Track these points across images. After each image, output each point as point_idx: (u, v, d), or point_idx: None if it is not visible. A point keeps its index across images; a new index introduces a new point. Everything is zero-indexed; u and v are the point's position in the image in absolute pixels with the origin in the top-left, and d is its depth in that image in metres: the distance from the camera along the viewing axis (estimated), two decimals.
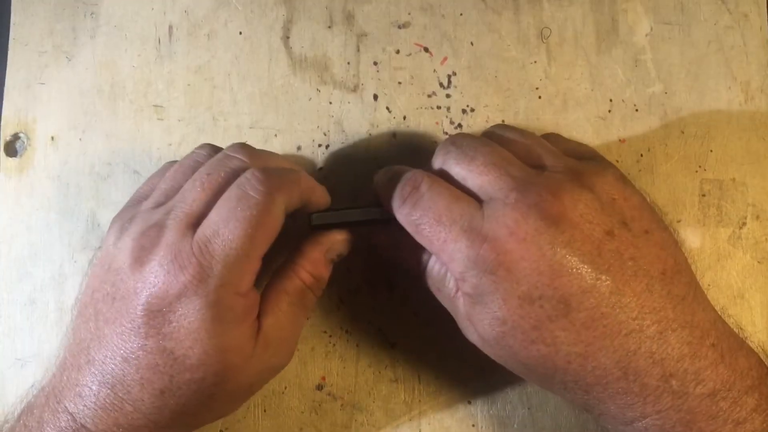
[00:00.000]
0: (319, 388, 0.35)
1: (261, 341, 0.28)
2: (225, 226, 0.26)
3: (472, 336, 0.28)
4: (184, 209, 0.27)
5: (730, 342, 0.26)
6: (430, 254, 0.29)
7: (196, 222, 0.27)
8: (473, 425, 0.34)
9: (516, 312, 0.25)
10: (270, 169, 0.28)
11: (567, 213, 0.25)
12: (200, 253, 0.25)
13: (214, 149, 0.31)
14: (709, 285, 0.35)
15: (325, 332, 0.35)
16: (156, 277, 0.26)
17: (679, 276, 0.26)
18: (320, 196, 0.31)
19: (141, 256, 0.26)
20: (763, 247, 0.35)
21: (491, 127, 0.31)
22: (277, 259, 0.30)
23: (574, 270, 0.25)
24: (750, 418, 0.24)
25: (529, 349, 0.26)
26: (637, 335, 0.25)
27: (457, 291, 0.28)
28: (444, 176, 0.29)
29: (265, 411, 0.34)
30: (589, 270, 0.25)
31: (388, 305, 0.35)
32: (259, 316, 0.28)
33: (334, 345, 0.35)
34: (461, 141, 0.29)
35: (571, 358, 0.25)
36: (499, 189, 0.26)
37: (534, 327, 0.25)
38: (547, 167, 0.28)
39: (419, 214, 0.27)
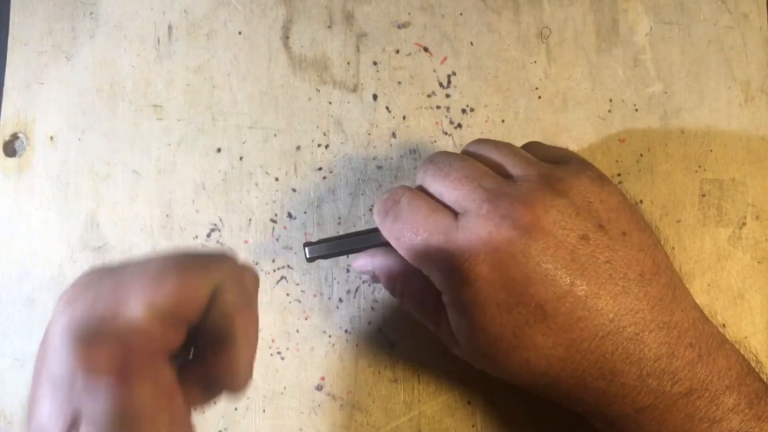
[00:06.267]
0: (319, 388, 0.35)
1: None
2: None
3: (456, 349, 0.29)
4: None
5: (709, 342, 0.26)
6: (406, 280, 0.30)
7: None
8: (473, 425, 0.34)
9: (496, 320, 0.26)
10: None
11: (539, 221, 0.25)
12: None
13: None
14: (708, 285, 0.35)
15: (324, 332, 0.35)
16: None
17: (657, 277, 0.26)
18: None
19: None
20: (763, 248, 0.35)
21: (468, 143, 0.32)
22: None
23: (548, 277, 0.25)
24: (726, 417, 0.25)
25: (511, 356, 0.26)
26: (613, 337, 0.25)
27: (436, 310, 0.28)
28: (424, 194, 0.29)
29: (264, 411, 0.34)
30: (563, 276, 0.25)
31: (388, 305, 0.35)
32: None
33: (333, 345, 0.35)
34: (437, 158, 0.29)
35: (551, 361, 0.26)
36: (472, 201, 0.27)
37: (514, 334, 0.26)
38: (520, 176, 0.28)
39: (399, 226, 0.28)
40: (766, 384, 0.26)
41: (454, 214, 0.27)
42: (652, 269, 0.26)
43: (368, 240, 0.31)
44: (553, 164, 0.29)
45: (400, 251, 0.28)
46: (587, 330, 0.25)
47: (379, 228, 0.29)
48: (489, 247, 0.25)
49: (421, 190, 0.29)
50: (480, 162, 0.29)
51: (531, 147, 0.31)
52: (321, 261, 0.34)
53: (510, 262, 0.25)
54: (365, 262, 0.32)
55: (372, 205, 0.32)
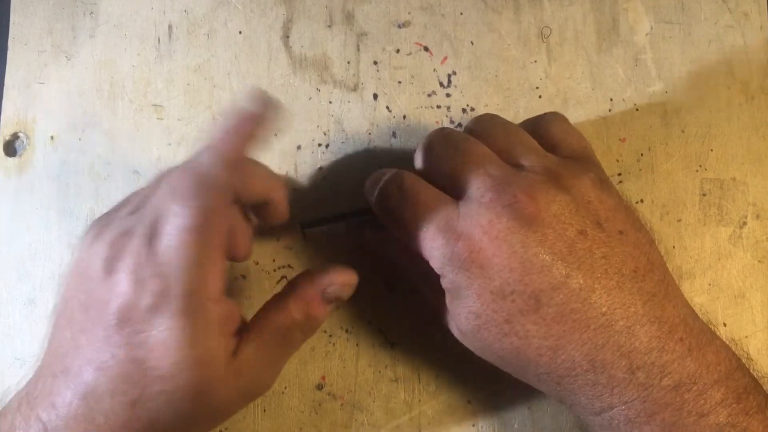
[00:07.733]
0: (319, 387, 0.35)
1: (234, 366, 0.26)
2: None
3: (453, 329, 0.29)
4: (153, 214, 0.26)
5: (700, 337, 0.26)
6: (410, 261, 0.30)
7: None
8: (473, 425, 0.34)
9: (489, 306, 0.26)
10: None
11: (540, 213, 0.26)
12: (160, 263, 0.24)
13: None
14: (709, 284, 0.35)
15: (325, 332, 0.35)
16: (122, 287, 0.24)
17: (651, 274, 0.27)
18: (279, 198, 0.29)
19: (110, 265, 0.25)
20: (764, 247, 0.35)
21: (476, 118, 0.31)
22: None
23: (545, 267, 0.25)
24: (714, 411, 0.25)
25: (502, 341, 0.26)
26: (605, 329, 0.25)
27: (441, 290, 0.29)
28: (425, 174, 0.29)
29: (264, 411, 0.34)
30: (560, 267, 0.25)
31: (388, 305, 0.35)
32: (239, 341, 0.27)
33: (334, 345, 0.35)
34: (441, 138, 0.29)
35: (542, 350, 0.26)
36: (476, 188, 0.27)
37: (506, 320, 0.26)
38: (526, 166, 0.28)
39: (399, 213, 0.28)
40: (756, 380, 0.27)
41: (455, 197, 0.28)
42: (646, 266, 0.27)
43: (362, 205, 0.31)
44: (561, 157, 0.29)
45: (401, 236, 0.29)
46: (580, 321, 0.25)
47: (376, 213, 0.30)
48: (488, 235, 0.26)
49: (422, 170, 0.30)
50: (486, 143, 0.29)
51: (551, 120, 0.31)
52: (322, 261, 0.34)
53: (508, 250, 0.25)
54: (376, 241, 0.32)
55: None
